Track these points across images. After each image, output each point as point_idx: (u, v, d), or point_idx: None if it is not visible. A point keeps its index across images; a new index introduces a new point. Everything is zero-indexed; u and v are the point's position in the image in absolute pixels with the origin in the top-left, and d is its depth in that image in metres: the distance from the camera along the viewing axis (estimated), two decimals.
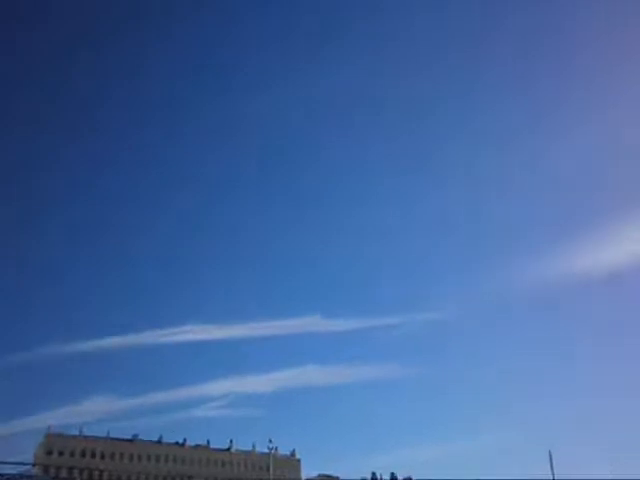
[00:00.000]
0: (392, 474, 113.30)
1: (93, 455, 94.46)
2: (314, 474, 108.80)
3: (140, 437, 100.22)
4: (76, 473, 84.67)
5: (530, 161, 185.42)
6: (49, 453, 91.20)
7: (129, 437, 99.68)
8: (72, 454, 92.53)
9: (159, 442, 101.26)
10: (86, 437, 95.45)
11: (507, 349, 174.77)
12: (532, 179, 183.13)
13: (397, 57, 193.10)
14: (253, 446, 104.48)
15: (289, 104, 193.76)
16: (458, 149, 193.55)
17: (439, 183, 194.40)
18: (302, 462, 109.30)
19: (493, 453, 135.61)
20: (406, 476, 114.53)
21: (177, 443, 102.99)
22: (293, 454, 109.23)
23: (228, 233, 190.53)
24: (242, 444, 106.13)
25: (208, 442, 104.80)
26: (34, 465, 77.21)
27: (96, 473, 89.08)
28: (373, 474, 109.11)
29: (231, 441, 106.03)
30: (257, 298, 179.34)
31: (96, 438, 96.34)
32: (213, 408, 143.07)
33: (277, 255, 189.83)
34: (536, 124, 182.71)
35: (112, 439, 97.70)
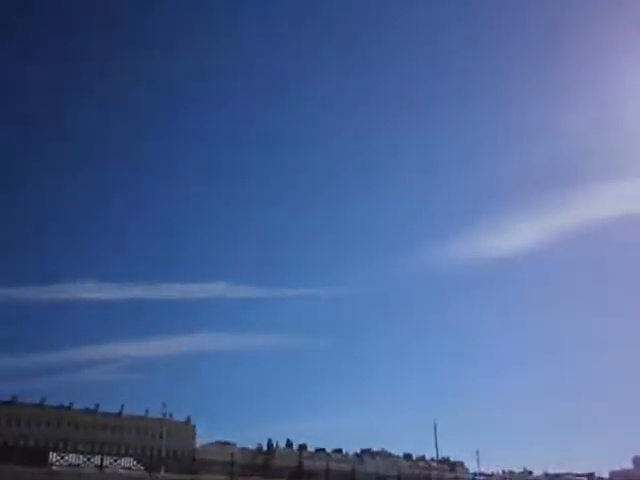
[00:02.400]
0: (288, 440, 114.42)
1: None
2: (210, 441, 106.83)
3: (20, 399, 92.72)
4: None
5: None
6: None
7: (7, 399, 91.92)
8: None
9: (41, 405, 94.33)
10: None
11: (405, 327, 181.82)
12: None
13: None
14: (146, 412, 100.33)
15: None
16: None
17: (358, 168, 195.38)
18: (198, 429, 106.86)
19: (385, 424, 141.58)
20: (302, 443, 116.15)
21: (62, 406, 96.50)
22: (188, 421, 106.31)
23: (135, 192, 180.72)
24: (136, 410, 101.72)
25: (97, 406, 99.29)
26: None
27: None
28: (269, 441, 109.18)
29: (122, 406, 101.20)
30: (160, 259, 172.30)
31: None
32: (106, 371, 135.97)
33: (185, 218, 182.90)
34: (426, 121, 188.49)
35: None
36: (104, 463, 33.44)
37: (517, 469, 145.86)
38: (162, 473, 35.90)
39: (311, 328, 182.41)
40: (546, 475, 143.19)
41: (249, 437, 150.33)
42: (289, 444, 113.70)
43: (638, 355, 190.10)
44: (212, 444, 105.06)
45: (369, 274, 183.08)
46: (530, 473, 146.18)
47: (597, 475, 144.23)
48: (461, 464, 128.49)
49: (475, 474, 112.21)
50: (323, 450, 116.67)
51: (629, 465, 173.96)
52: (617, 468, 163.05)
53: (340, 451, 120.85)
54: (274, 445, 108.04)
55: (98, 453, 35.07)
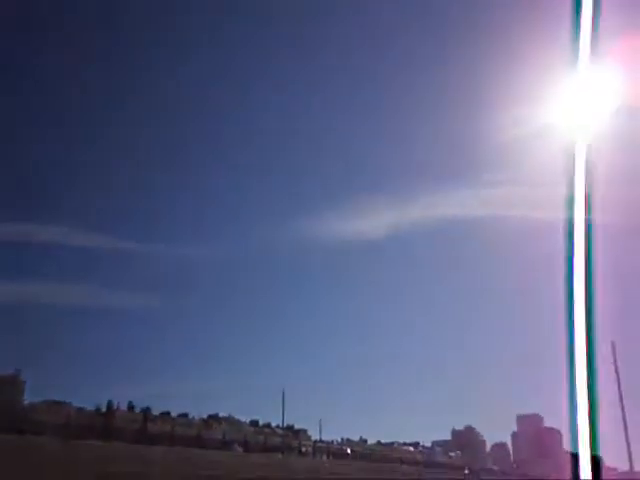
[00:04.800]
0: (130, 402, 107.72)
1: None
2: (40, 399, 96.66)
3: None
4: None
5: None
6: None
7: None
8: None
9: None
10: None
11: (262, 296, 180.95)
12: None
13: None
14: None
15: None
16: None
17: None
18: (27, 385, 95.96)
19: (231, 391, 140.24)
20: (144, 407, 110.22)
21: None
22: (16, 375, 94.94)
23: None
24: None
25: None
26: None
27: None
28: (109, 402, 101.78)
29: None
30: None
31: None
32: None
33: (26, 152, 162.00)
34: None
35: None
36: None
37: (354, 438, 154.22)
38: None
39: (167, 288, 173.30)
40: (379, 444, 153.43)
41: (87, 398, 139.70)
42: (131, 407, 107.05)
43: (448, 338, 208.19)
44: (43, 402, 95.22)
45: (240, 239, 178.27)
46: (365, 442, 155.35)
47: (421, 444, 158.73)
48: (305, 432, 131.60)
49: (316, 441, 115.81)
50: (168, 414, 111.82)
51: (448, 436, 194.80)
52: (437, 439, 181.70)
53: (186, 415, 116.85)
54: (115, 406, 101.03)
55: None
